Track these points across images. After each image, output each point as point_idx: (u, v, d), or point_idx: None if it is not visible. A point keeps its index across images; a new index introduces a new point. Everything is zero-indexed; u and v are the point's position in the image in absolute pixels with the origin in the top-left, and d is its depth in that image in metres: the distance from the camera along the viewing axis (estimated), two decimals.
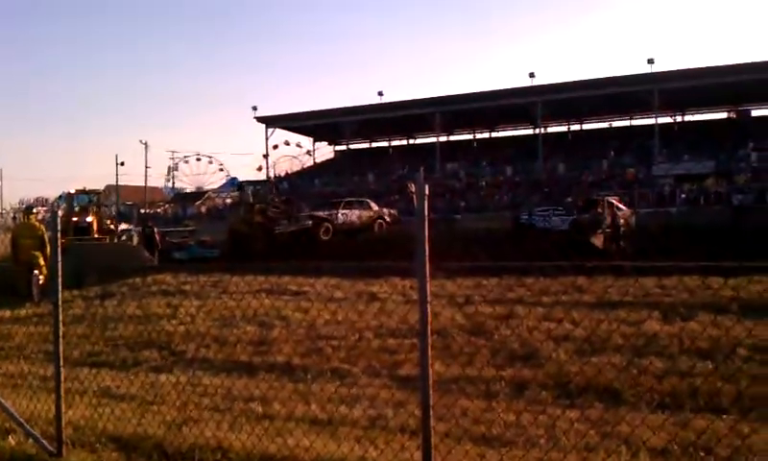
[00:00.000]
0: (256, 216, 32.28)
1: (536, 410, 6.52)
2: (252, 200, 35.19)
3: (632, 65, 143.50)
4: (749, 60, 51.33)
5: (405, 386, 7.58)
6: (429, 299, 4.65)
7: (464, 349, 9.52)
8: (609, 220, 26.91)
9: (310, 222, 31.89)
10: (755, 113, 62.29)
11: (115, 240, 30.04)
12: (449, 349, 9.58)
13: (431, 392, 4.63)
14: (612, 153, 58.11)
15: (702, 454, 5.31)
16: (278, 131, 73.05)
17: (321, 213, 33.32)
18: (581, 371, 7.79)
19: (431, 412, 4.62)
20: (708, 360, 8.07)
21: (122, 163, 75.49)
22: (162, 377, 8.51)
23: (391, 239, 26.59)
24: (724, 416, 6.20)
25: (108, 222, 32.37)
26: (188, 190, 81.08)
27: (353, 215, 33.83)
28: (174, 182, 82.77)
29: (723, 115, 64.90)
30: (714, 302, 11.20)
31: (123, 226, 34.67)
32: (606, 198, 30.42)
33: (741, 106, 61.58)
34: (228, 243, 31.59)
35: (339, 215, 33.02)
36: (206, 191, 78.73)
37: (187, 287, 17.51)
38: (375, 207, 35.78)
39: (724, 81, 51.29)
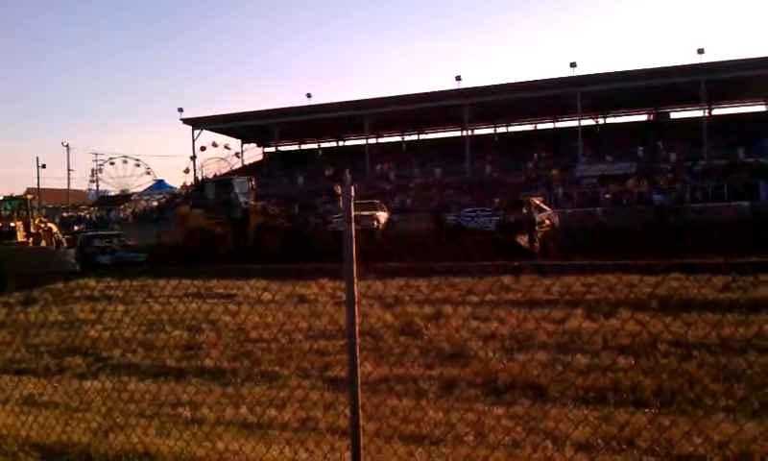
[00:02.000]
0: (256, 216, 31.14)
1: (463, 408, 6.62)
2: (214, 198, 33.61)
3: (556, 69, 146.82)
4: (668, 64, 53.16)
5: (336, 387, 7.59)
6: (357, 300, 4.67)
7: (394, 349, 9.58)
8: (537, 220, 27.44)
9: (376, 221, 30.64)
10: (674, 115, 64.42)
11: (58, 245, 29.71)
12: (380, 349, 9.64)
13: (360, 392, 4.66)
14: (537, 154, 59.27)
15: (624, 447, 5.46)
16: (206, 132, 72.08)
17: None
18: (507, 368, 7.94)
19: (360, 412, 4.65)
20: (630, 355, 8.31)
21: (43, 166, 73.49)
22: (87, 384, 8.33)
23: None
24: (645, 409, 6.40)
25: (53, 228, 32.05)
26: (113, 193, 79.33)
27: (377, 216, 33.22)
28: (98, 185, 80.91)
29: (644, 117, 66.87)
30: (635, 298, 11.54)
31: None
32: (530, 198, 31.01)
33: (661, 108, 63.57)
34: (192, 242, 30.44)
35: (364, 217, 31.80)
36: (132, 194, 77.06)
37: (112, 292, 17.14)
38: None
39: (644, 84, 52.90)
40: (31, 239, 28.65)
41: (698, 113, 58.62)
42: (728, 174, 46.98)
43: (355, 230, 4.55)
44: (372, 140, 69.75)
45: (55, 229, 34.03)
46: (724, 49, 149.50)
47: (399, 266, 16.40)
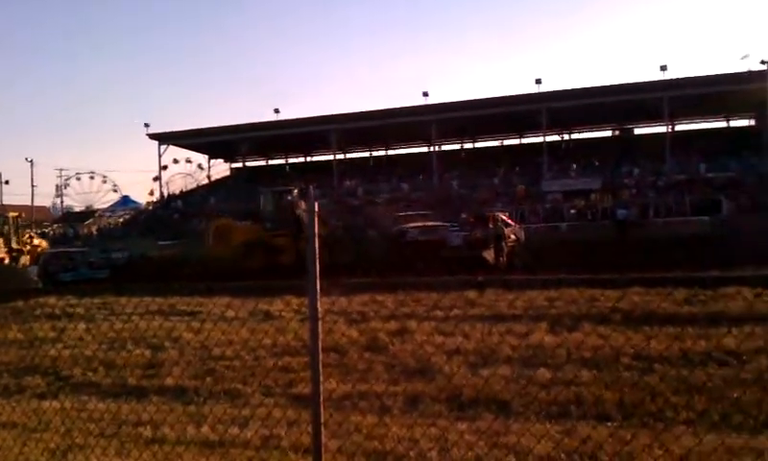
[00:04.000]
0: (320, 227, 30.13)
1: (427, 423, 6.61)
2: (272, 209, 32.05)
3: (521, 85, 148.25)
4: (631, 81, 53.95)
5: (299, 404, 7.54)
6: (321, 315, 4.65)
7: (358, 365, 9.55)
8: (503, 235, 27.60)
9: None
10: (637, 131, 65.37)
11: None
12: (344, 365, 9.60)
13: (322, 409, 4.63)
14: (503, 170, 59.71)
15: (583, 459, 5.49)
16: (172, 148, 71.61)
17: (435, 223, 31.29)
18: (471, 383, 7.95)
19: (322, 429, 4.62)
20: (593, 369, 8.37)
21: (6, 182, 72.51)
22: (46, 404, 8.18)
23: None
24: (607, 423, 6.44)
25: (42, 244, 31.87)
26: (78, 209, 78.31)
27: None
28: (63, 201, 79.89)
29: (608, 134, 67.73)
30: (598, 312, 11.66)
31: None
32: (496, 214, 31.18)
33: (625, 124, 64.47)
34: (248, 256, 28.72)
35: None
36: (96, 210, 76.16)
37: (74, 310, 16.90)
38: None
39: (608, 100, 53.66)
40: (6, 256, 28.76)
41: (661, 129, 59.56)
42: (690, 189, 47.72)
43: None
44: (340, 156, 69.81)
45: (44, 244, 33.81)
46: (686, 66, 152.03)
47: (364, 282, 16.41)
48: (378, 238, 29.51)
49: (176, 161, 72.79)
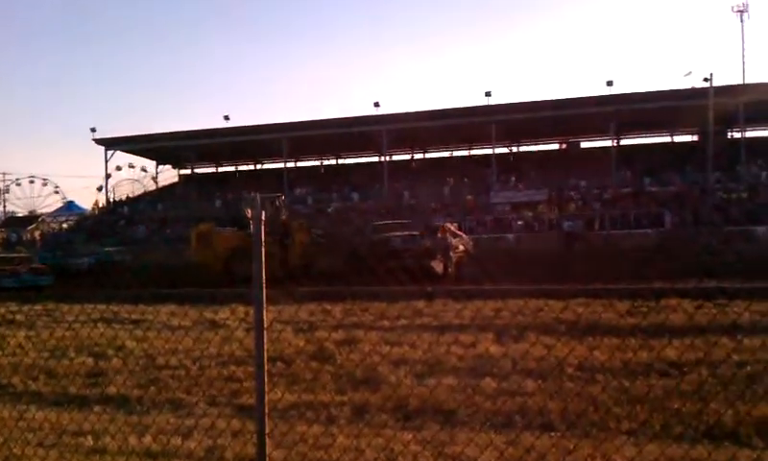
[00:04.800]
0: (301, 233, 29.56)
1: (373, 433, 6.61)
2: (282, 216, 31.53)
3: (471, 98, 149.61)
4: (578, 95, 54.99)
5: (244, 414, 7.46)
6: (268, 325, 4.62)
7: (305, 374, 9.50)
8: (450, 245, 27.74)
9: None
10: (584, 145, 66.51)
11: None
12: (291, 375, 9.54)
13: (267, 419, 4.60)
14: (452, 180, 60.17)
15: None
16: (120, 153, 70.49)
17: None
18: (418, 393, 7.98)
19: (267, 439, 4.59)
20: (537, 379, 8.46)
21: None
22: None
23: None
24: (551, 433, 6.52)
25: None
26: (20, 214, 76.57)
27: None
28: (5, 206, 78.02)
29: (555, 147, 68.78)
30: (543, 323, 11.81)
31: None
32: (445, 224, 31.32)
33: (571, 138, 65.55)
34: (234, 263, 27.40)
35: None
36: (40, 215, 74.54)
37: (14, 317, 16.48)
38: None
39: (555, 114, 54.53)
40: None
41: (607, 143, 60.74)
42: (634, 202, 48.74)
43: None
44: (291, 164, 69.56)
45: None
46: (632, 82, 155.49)
47: (313, 291, 16.34)
48: (360, 247, 29.28)
49: (118, 169, 71.62)
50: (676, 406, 7.13)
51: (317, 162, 76.11)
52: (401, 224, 33.07)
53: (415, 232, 29.80)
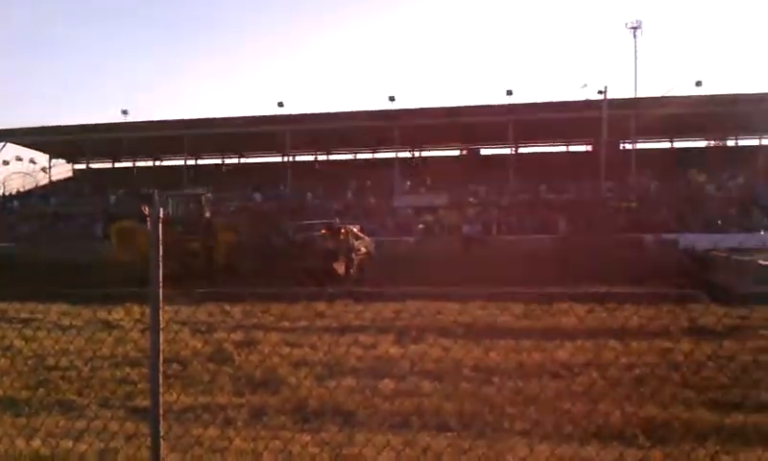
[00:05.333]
0: (225, 233, 28.54)
1: (270, 435, 6.57)
2: (183, 212, 30.38)
3: (375, 101, 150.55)
4: (480, 103, 56.17)
5: (139, 417, 7.28)
6: (164, 325, 4.54)
7: (202, 376, 9.35)
8: (353, 247, 27.84)
9: None
10: (484, 152, 67.98)
11: None
12: (188, 376, 9.37)
13: (162, 422, 4.52)
14: (356, 183, 60.37)
15: None
16: (11, 146, 67.41)
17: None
18: (317, 394, 7.98)
19: (162, 442, 4.51)
20: (435, 380, 8.59)
21: None
22: None
23: None
24: (447, 433, 6.64)
25: None
26: None
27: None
28: None
29: (456, 153, 69.95)
30: (441, 325, 12.00)
31: None
32: (348, 226, 31.38)
33: (472, 144, 66.84)
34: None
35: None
36: None
37: None
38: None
39: (455, 121, 55.49)
40: None
41: (506, 151, 62.25)
42: (531, 209, 50.17)
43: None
44: (192, 161, 68.21)
45: None
46: (531, 92, 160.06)
47: (212, 291, 16.11)
48: (285, 246, 28.79)
49: (5, 163, 68.56)
50: (567, 407, 7.37)
51: (219, 161, 74.91)
52: (327, 224, 32.93)
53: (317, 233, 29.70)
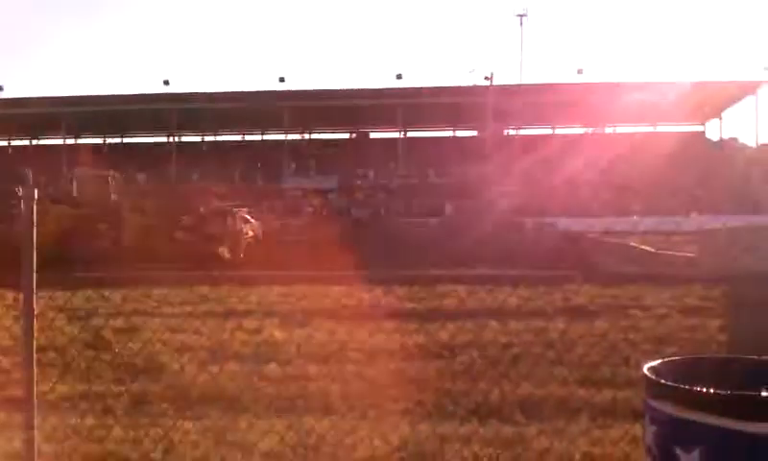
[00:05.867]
0: (133, 214, 27.23)
1: (151, 423, 6.46)
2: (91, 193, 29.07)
3: (265, 82, 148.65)
4: (369, 86, 56.44)
5: (11, 407, 7.00)
6: (37, 311, 4.41)
7: (79, 364, 9.06)
8: (238, 230, 27.53)
9: None
10: (373, 135, 68.40)
11: None
12: (65, 365, 9.06)
13: (36, 412, 4.40)
14: (244, 165, 59.62)
15: (307, 453, 5.70)
16: None
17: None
18: (200, 380, 7.89)
19: (35, 433, 4.40)
20: (320, 363, 8.66)
21: None
22: None
23: None
24: (331, 416, 6.72)
25: None
26: None
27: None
28: None
29: (346, 136, 70.15)
30: (327, 308, 12.08)
31: None
32: (235, 209, 30.99)
33: (360, 128, 67.16)
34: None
35: None
36: None
37: None
38: None
39: (345, 104, 55.59)
40: None
41: (394, 134, 62.85)
42: (419, 192, 50.94)
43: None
44: (71, 140, 65.55)
45: None
46: (421, 76, 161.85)
47: (92, 276, 15.60)
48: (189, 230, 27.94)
49: None
50: (447, 386, 7.59)
51: (100, 140, 72.26)
52: (238, 206, 32.33)
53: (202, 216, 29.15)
